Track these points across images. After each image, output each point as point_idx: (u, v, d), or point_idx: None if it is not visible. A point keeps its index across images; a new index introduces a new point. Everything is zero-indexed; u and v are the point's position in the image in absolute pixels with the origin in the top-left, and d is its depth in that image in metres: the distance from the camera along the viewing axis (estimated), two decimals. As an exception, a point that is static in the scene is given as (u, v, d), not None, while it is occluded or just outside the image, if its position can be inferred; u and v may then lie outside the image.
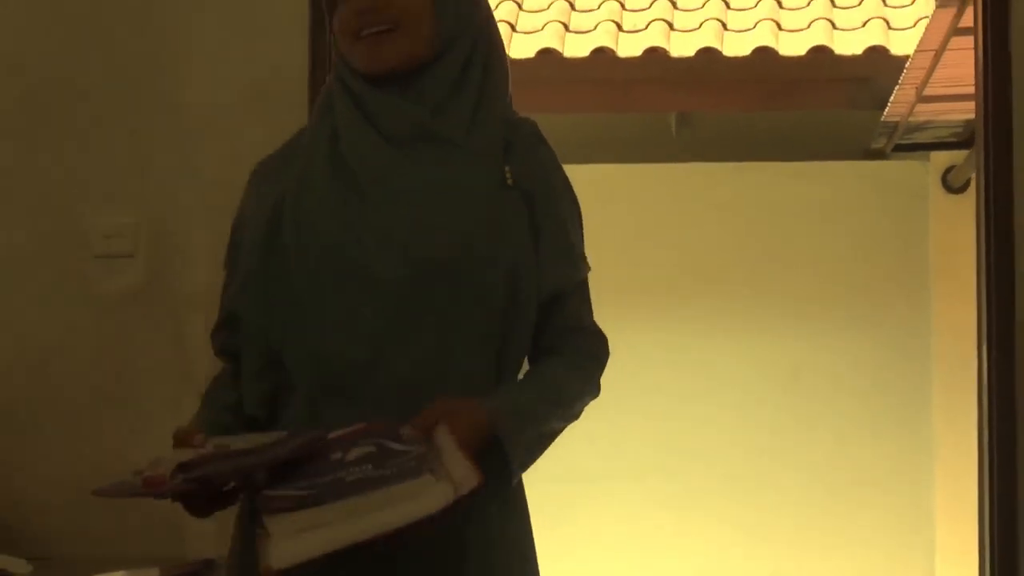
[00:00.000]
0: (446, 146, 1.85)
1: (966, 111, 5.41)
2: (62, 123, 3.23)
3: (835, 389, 6.17)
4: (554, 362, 1.86)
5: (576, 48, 5.68)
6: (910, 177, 6.35)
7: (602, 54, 5.61)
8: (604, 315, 2.04)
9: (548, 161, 1.91)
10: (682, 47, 5.66)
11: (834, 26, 5.81)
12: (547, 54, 5.60)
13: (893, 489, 6.07)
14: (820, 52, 5.68)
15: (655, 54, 5.60)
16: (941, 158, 6.17)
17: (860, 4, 5.98)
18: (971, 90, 4.50)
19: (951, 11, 4.30)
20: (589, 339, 1.91)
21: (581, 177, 2.21)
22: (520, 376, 1.89)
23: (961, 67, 4.72)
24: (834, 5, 6.03)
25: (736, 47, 5.65)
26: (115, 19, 3.22)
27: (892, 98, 5.39)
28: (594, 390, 1.90)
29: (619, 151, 6.20)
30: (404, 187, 1.84)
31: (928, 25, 4.65)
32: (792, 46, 5.72)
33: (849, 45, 5.72)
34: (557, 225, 1.87)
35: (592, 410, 1.96)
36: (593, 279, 1.99)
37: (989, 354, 3.10)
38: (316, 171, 1.87)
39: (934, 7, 4.58)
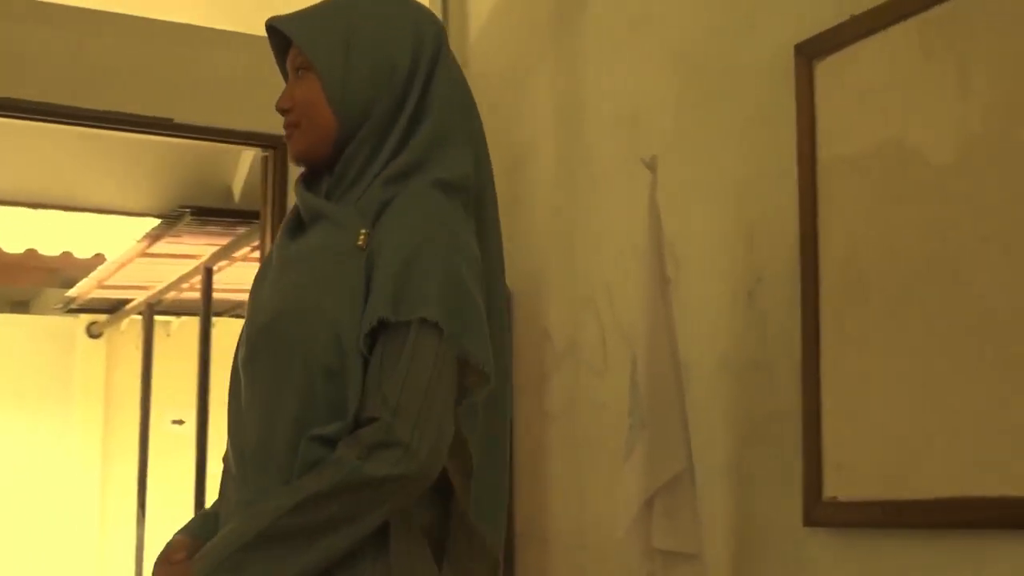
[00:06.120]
0: (326, 220, 1.70)
1: (111, 294, 7.81)
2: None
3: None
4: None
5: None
6: (68, 326, 8.61)
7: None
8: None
9: (399, 216, 1.64)
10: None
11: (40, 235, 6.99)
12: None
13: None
14: (32, 252, 7.14)
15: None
16: (85, 317, 8.55)
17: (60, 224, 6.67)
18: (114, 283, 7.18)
19: (142, 245, 6.14)
20: (374, 422, 1.53)
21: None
22: None
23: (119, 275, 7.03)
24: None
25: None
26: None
27: (78, 284, 7.60)
28: (336, 492, 1.52)
29: None
30: (278, 266, 1.73)
31: (125, 253, 6.55)
32: (14, 247, 7.15)
33: (51, 250, 7.14)
34: (382, 276, 1.59)
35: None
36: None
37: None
38: (269, 258, 1.78)
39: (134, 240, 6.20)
